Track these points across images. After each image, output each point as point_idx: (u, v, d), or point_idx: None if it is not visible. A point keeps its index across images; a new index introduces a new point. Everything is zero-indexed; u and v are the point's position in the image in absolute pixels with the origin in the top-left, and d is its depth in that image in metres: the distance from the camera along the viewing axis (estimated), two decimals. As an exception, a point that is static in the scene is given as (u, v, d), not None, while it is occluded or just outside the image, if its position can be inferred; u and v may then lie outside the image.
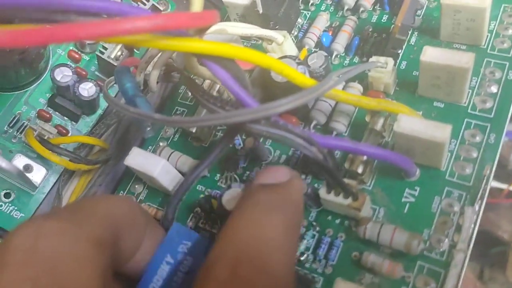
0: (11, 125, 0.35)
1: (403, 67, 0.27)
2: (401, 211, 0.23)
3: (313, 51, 0.29)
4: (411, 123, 0.22)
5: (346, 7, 0.30)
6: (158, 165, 0.25)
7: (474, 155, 0.24)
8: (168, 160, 0.28)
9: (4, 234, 0.33)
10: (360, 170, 0.24)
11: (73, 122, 0.36)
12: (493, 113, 0.24)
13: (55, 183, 0.35)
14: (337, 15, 0.31)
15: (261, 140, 0.27)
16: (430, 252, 0.22)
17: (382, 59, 0.25)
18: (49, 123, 0.35)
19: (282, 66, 0.22)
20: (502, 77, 0.25)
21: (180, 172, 0.27)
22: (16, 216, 0.34)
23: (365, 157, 0.24)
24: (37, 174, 0.34)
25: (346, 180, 0.23)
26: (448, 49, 0.23)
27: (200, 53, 0.21)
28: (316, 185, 0.25)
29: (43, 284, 0.15)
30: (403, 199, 0.24)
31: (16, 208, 0.34)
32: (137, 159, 0.26)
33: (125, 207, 0.21)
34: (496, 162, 0.23)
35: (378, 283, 0.22)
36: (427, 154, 0.23)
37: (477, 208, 0.22)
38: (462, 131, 0.24)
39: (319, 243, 0.24)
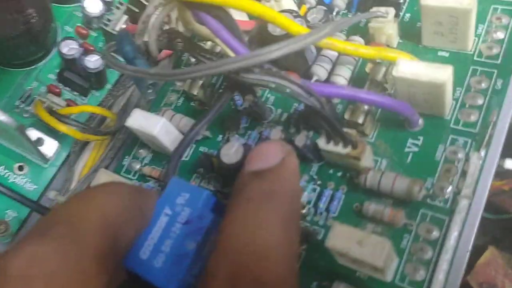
0: (22, 100, 0.36)
1: (407, 20, 0.27)
2: (404, 161, 0.23)
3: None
4: (410, 66, 0.21)
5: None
6: (158, 124, 0.25)
7: (480, 102, 0.23)
8: (170, 122, 0.28)
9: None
10: (360, 120, 0.23)
11: (82, 97, 0.37)
12: (500, 59, 0.24)
13: (67, 157, 0.35)
14: (339, -26, 0.30)
15: (260, 98, 0.27)
16: (433, 200, 0.21)
17: (382, 9, 0.25)
18: (59, 98, 0.36)
19: (275, 14, 0.22)
20: (509, 23, 0.24)
21: (182, 133, 0.27)
22: (29, 188, 0.34)
23: (366, 107, 0.23)
24: (49, 147, 0.35)
25: (345, 129, 0.22)
26: (449, -7, 0.23)
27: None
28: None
29: None
30: (406, 149, 0.23)
31: (29, 180, 0.35)
32: (138, 119, 0.26)
33: (117, 200, 0.19)
34: (502, 108, 0.22)
35: (380, 232, 0.22)
36: (430, 100, 0.22)
37: (482, 154, 0.22)
38: (468, 78, 0.24)
39: (320, 196, 0.23)
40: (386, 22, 0.24)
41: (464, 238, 0.24)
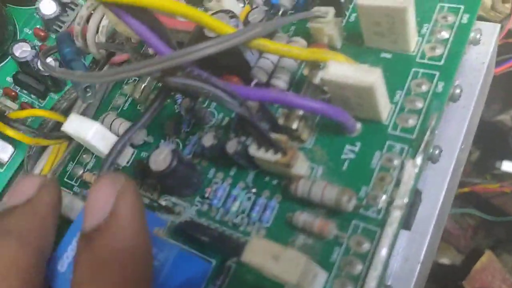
0: (-22, 105, 0.35)
1: (353, 20, 0.25)
2: (339, 169, 0.22)
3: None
4: (340, 69, 0.20)
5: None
6: (92, 129, 0.24)
7: (420, 105, 0.22)
8: (110, 127, 0.27)
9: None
10: (295, 126, 0.22)
11: (40, 100, 0.36)
12: (443, 60, 0.22)
13: (22, 161, 0.35)
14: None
15: (200, 102, 0.26)
16: (366, 210, 0.20)
17: (323, 8, 0.23)
18: (16, 101, 0.35)
19: (200, 14, 0.21)
20: (455, 22, 0.23)
21: (121, 138, 0.26)
22: (-15, 193, 0.34)
23: (301, 112, 0.22)
24: (4, 152, 0.34)
25: (274, 135, 0.21)
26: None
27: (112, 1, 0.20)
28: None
29: None
30: (343, 156, 0.22)
31: (-16, 185, 0.34)
32: (73, 124, 0.25)
33: (34, 219, 0.19)
34: (442, 112, 0.21)
35: (311, 244, 0.21)
36: (363, 104, 0.21)
37: (418, 161, 0.20)
38: (408, 81, 0.22)
39: (254, 205, 0.22)
40: (326, 23, 0.23)
41: (416, 248, 0.24)
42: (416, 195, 0.22)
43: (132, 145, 0.27)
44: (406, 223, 0.23)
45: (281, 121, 0.22)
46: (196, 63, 0.21)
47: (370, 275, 0.19)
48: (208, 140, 0.23)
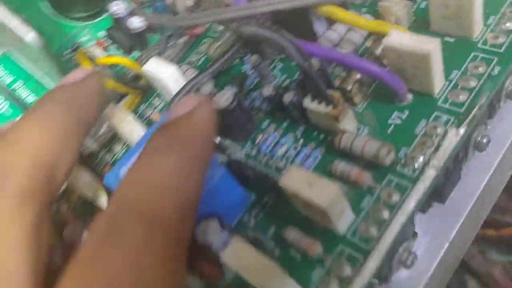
0: (70, 50, 0.40)
1: (423, 7, 0.27)
2: (384, 131, 0.23)
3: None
4: (401, 37, 0.22)
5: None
6: (169, 70, 0.27)
7: (473, 84, 0.23)
8: (183, 75, 0.30)
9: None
10: (349, 88, 0.24)
11: (126, 55, 0.40)
12: (503, 48, 0.23)
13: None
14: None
15: (266, 61, 0.28)
16: (403, 167, 0.21)
17: (396, -12, 0.25)
18: (103, 52, 0.40)
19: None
20: (522, 16, 0.24)
21: (191, 85, 0.29)
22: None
23: (357, 77, 0.24)
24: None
25: (329, 91, 0.23)
26: (458, -25, 0.23)
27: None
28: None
29: None
30: (390, 121, 0.23)
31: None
32: (153, 65, 0.28)
33: (48, 137, 0.18)
34: (494, 93, 0.22)
35: (345, 191, 0.22)
36: (418, 74, 0.22)
37: (461, 131, 0.21)
38: (466, 63, 0.23)
39: (299, 153, 0.24)
40: (395, 2, 0.25)
41: (448, 226, 0.24)
42: (455, 169, 0.23)
43: (199, 94, 0.30)
44: (440, 194, 0.24)
45: (337, 83, 0.24)
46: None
47: (395, 221, 0.20)
48: (267, 90, 0.25)
